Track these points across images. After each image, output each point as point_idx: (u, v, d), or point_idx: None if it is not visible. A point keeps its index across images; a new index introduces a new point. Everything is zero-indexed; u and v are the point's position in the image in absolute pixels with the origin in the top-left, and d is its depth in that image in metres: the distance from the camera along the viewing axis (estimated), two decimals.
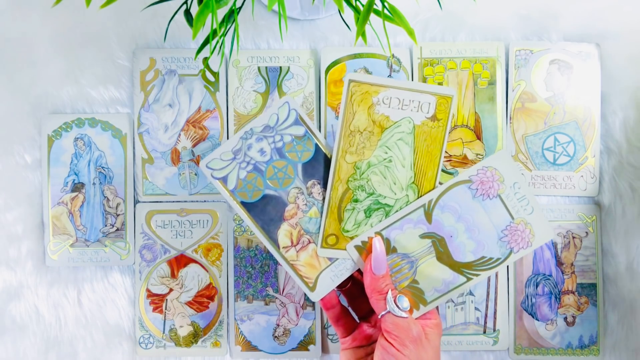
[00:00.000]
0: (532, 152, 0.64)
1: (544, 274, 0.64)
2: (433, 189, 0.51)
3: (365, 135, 0.51)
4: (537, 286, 0.63)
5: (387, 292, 0.49)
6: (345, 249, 0.51)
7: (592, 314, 0.63)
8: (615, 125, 0.64)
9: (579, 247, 0.64)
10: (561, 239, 0.64)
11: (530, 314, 0.63)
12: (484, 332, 0.64)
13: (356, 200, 0.51)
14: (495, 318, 0.64)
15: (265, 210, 0.51)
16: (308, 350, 0.63)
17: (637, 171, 0.63)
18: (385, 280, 0.49)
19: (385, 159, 0.51)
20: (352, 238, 0.51)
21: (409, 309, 0.49)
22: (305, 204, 0.51)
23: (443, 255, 0.51)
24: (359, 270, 0.52)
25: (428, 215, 0.51)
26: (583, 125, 0.64)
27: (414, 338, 0.47)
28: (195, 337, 0.64)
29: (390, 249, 0.51)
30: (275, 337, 0.64)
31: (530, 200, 0.51)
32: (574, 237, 0.64)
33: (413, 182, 0.51)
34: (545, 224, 0.51)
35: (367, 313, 0.55)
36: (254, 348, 0.64)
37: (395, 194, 0.51)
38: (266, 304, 0.64)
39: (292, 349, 0.64)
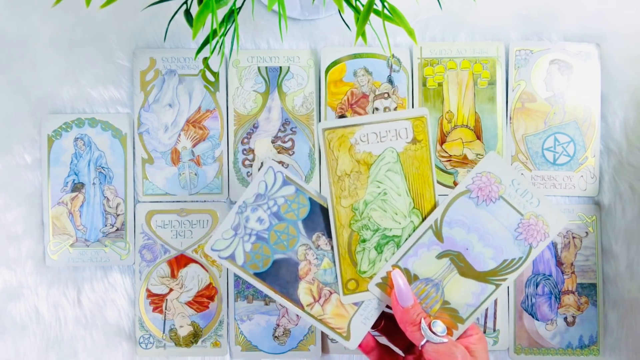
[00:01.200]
0: (532, 152, 0.64)
1: (544, 274, 0.64)
2: (434, 207, 0.51)
3: (354, 176, 0.51)
4: (537, 286, 0.63)
5: (420, 322, 0.48)
6: (367, 290, 0.51)
7: (592, 314, 0.63)
8: (615, 125, 0.64)
9: (579, 247, 0.64)
10: (561, 239, 0.64)
11: (530, 314, 0.63)
12: (484, 332, 0.64)
13: (364, 240, 0.51)
14: (495, 318, 0.64)
15: (279, 274, 0.51)
16: (308, 350, 0.63)
17: (637, 171, 0.63)
18: (416, 309, 0.49)
19: (379, 193, 0.51)
20: (371, 277, 0.51)
21: (446, 332, 0.48)
22: (316, 258, 0.52)
23: (465, 269, 0.50)
24: (388, 306, 0.52)
25: (438, 235, 0.51)
26: (583, 125, 0.64)
27: None
28: (195, 337, 0.64)
29: (411, 278, 0.51)
30: (275, 337, 0.64)
31: (534, 193, 0.50)
32: (574, 237, 0.64)
33: (414, 207, 0.51)
34: (555, 212, 0.50)
35: (409, 345, 0.54)
36: (254, 348, 0.64)
37: (400, 223, 0.51)
38: (266, 304, 0.64)
39: (292, 349, 0.63)
